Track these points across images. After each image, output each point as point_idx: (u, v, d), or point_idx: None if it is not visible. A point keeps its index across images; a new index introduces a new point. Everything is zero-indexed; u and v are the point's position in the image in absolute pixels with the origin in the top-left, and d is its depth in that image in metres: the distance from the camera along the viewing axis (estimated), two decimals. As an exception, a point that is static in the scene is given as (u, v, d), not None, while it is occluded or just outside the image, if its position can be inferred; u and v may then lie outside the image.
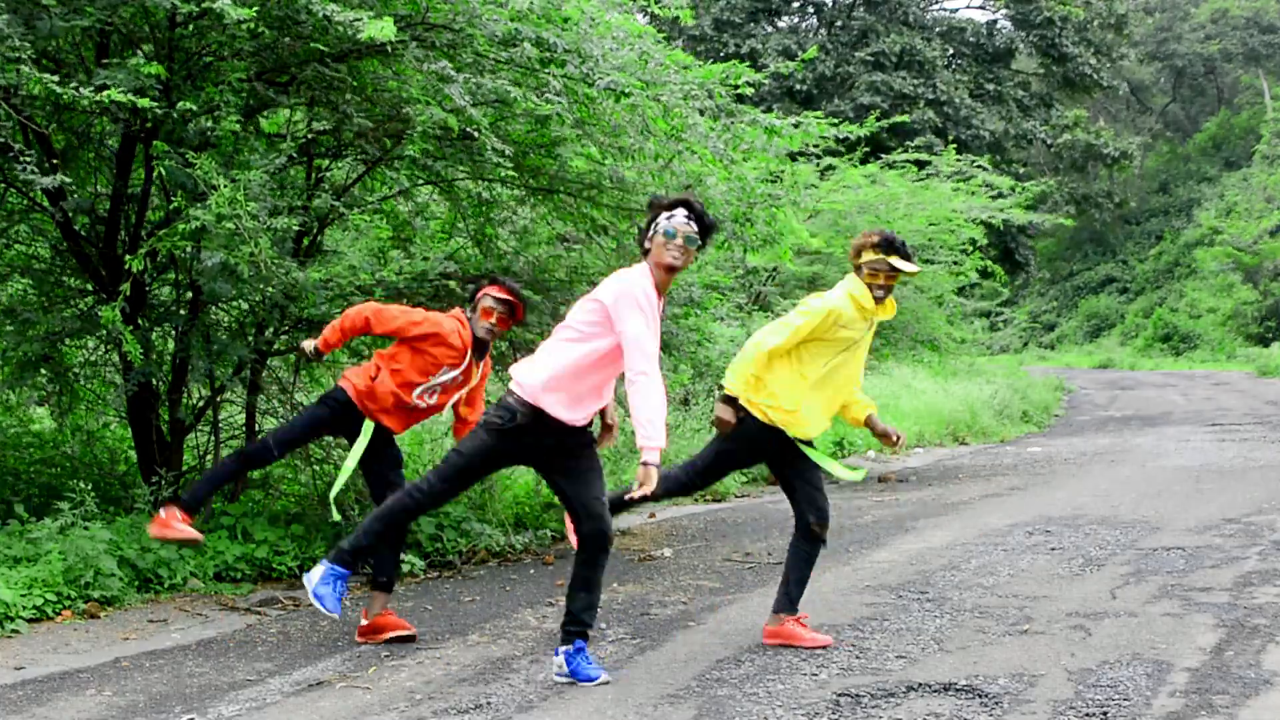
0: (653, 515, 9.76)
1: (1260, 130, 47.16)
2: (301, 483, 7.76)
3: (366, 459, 5.63)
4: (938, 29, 34.24)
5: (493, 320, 5.51)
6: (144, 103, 5.49)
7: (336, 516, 5.87)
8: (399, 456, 5.77)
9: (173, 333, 7.29)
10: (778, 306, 13.09)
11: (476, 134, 5.98)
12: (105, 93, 5.43)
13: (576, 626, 4.81)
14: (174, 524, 5.55)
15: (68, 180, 5.90)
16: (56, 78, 5.52)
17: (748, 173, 7.40)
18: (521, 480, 8.83)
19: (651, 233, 4.70)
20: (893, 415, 15.43)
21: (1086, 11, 35.18)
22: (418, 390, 5.54)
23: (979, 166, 15.64)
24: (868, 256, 5.25)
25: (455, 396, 5.64)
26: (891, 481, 11.94)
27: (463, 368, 5.56)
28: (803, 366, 5.27)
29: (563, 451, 4.82)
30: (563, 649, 4.80)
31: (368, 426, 5.57)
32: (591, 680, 4.74)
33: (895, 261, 5.21)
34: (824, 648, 5.23)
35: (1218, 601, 6.06)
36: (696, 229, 4.68)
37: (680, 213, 4.67)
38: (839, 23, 34.98)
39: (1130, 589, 6.41)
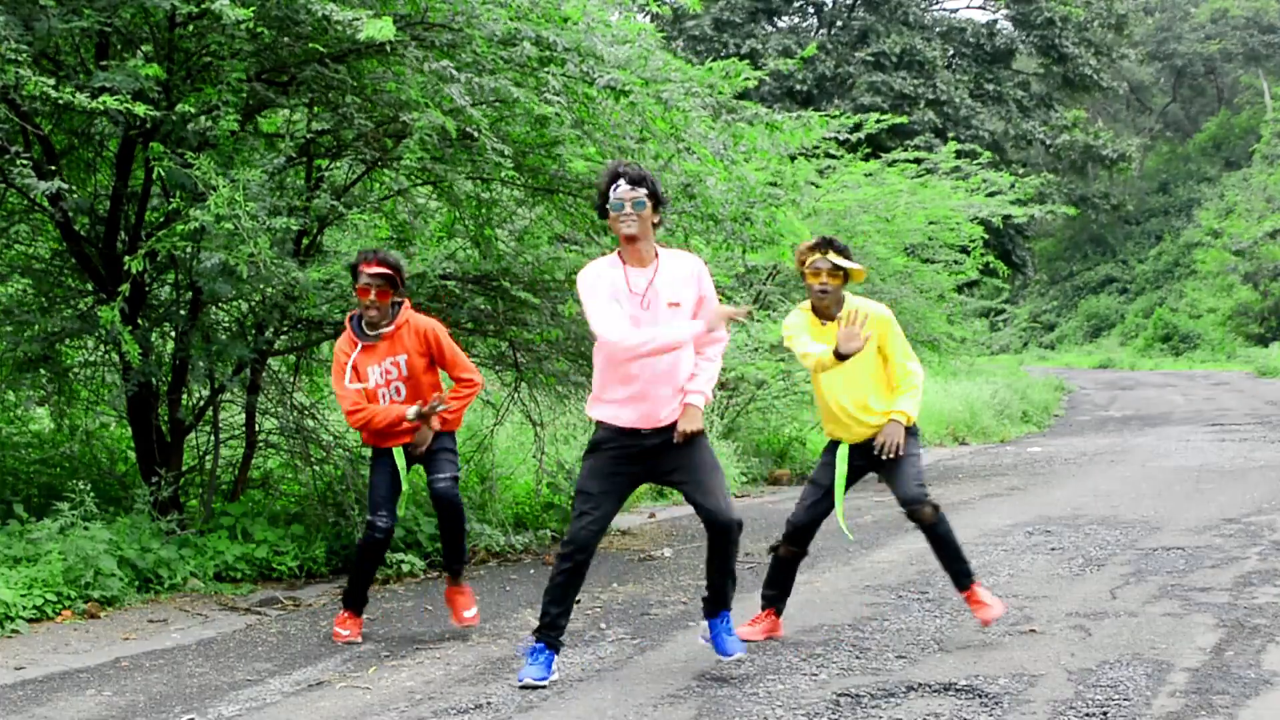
0: (653, 515, 9.76)
1: (1260, 130, 47.15)
2: (301, 483, 7.76)
3: (428, 460, 5.66)
4: (938, 29, 34.22)
5: (370, 297, 5.47)
6: (141, 109, 5.48)
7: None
8: (447, 461, 5.66)
9: (173, 333, 7.29)
10: (779, 306, 13.08)
11: (476, 134, 5.97)
12: (102, 98, 5.43)
13: (720, 605, 4.91)
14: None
15: (64, 185, 5.90)
16: (54, 80, 5.52)
17: (748, 172, 7.40)
18: (522, 480, 8.83)
19: (606, 213, 4.76)
20: (893, 415, 15.38)
21: (1086, 12, 35.17)
22: (381, 398, 5.56)
23: (978, 164, 15.62)
24: (809, 260, 5.26)
25: (393, 376, 5.57)
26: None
27: (356, 353, 5.53)
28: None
29: (658, 456, 4.81)
30: (708, 620, 4.93)
31: (397, 455, 5.59)
32: (729, 655, 4.86)
33: (832, 257, 5.20)
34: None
35: (1218, 601, 6.05)
36: (642, 192, 4.69)
37: (621, 184, 4.70)
38: (839, 23, 34.98)
39: (1130, 589, 6.41)
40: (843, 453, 5.38)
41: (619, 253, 4.79)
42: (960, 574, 5.41)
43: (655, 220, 4.75)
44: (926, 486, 5.34)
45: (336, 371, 5.61)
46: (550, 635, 4.81)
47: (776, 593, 5.53)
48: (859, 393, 5.31)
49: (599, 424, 4.84)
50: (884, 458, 5.28)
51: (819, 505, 5.42)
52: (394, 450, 5.60)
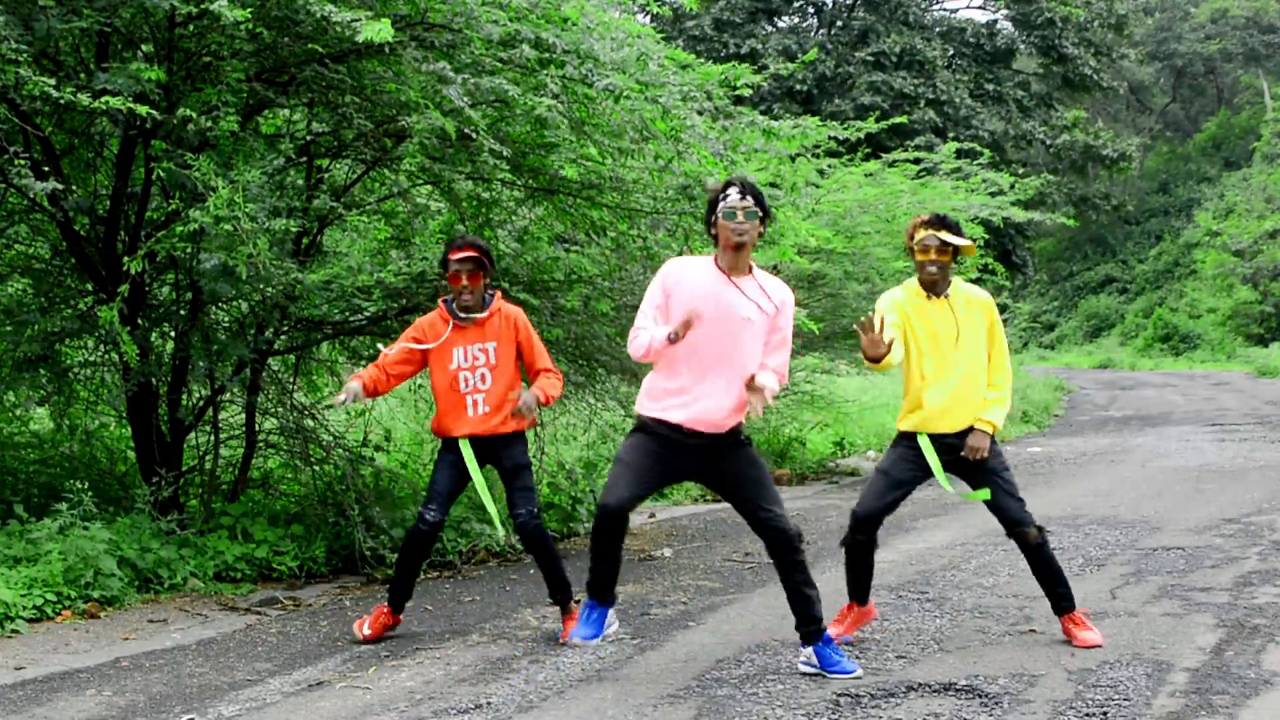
0: (653, 515, 9.76)
1: (1260, 130, 47.17)
2: (301, 483, 7.76)
3: (506, 487, 5.62)
4: (938, 29, 34.23)
5: (462, 283, 5.49)
6: (143, 109, 5.48)
7: (501, 533, 5.73)
8: (518, 464, 5.61)
9: (172, 333, 7.29)
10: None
11: (474, 135, 5.97)
12: (103, 99, 5.43)
13: (812, 626, 4.85)
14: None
15: (59, 187, 5.90)
16: (54, 80, 5.52)
17: (748, 173, 7.40)
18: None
19: (714, 220, 4.78)
20: (892, 415, 15.41)
21: (1086, 12, 35.17)
22: (462, 381, 5.52)
23: (978, 164, 15.62)
24: (919, 235, 5.17)
25: (485, 370, 5.52)
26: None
27: (467, 339, 5.51)
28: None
29: (715, 458, 4.80)
30: (810, 646, 4.86)
31: (464, 445, 5.55)
32: (848, 673, 4.78)
33: (944, 235, 5.11)
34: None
35: (1218, 601, 6.06)
36: (751, 202, 4.74)
37: (732, 191, 4.75)
38: (839, 23, 34.99)
39: (1130, 589, 6.41)
40: (926, 443, 5.21)
41: (715, 258, 4.81)
42: (1062, 598, 5.33)
43: (761, 231, 4.79)
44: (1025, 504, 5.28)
45: (405, 335, 5.62)
46: (600, 592, 4.83)
47: (854, 581, 5.38)
48: (945, 377, 5.17)
49: (649, 419, 4.81)
50: (972, 461, 5.19)
51: (887, 497, 5.25)
52: (460, 442, 5.53)
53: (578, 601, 5.60)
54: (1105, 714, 4.29)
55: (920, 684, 4.72)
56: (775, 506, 4.77)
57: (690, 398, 4.73)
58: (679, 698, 4.60)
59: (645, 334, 4.71)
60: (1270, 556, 7.21)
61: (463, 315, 5.54)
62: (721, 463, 4.81)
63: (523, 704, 4.54)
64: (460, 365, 5.52)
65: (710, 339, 4.70)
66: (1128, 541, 7.86)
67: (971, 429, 5.20)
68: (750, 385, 4.67)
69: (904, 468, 5.26)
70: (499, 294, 5.69)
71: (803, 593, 4.82)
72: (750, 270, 4.83)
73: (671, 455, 4.78)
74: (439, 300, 5.71)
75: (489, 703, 4.55)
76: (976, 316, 5.24)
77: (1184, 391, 25.34)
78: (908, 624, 5.74)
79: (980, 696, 4.53)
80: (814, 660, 4.85)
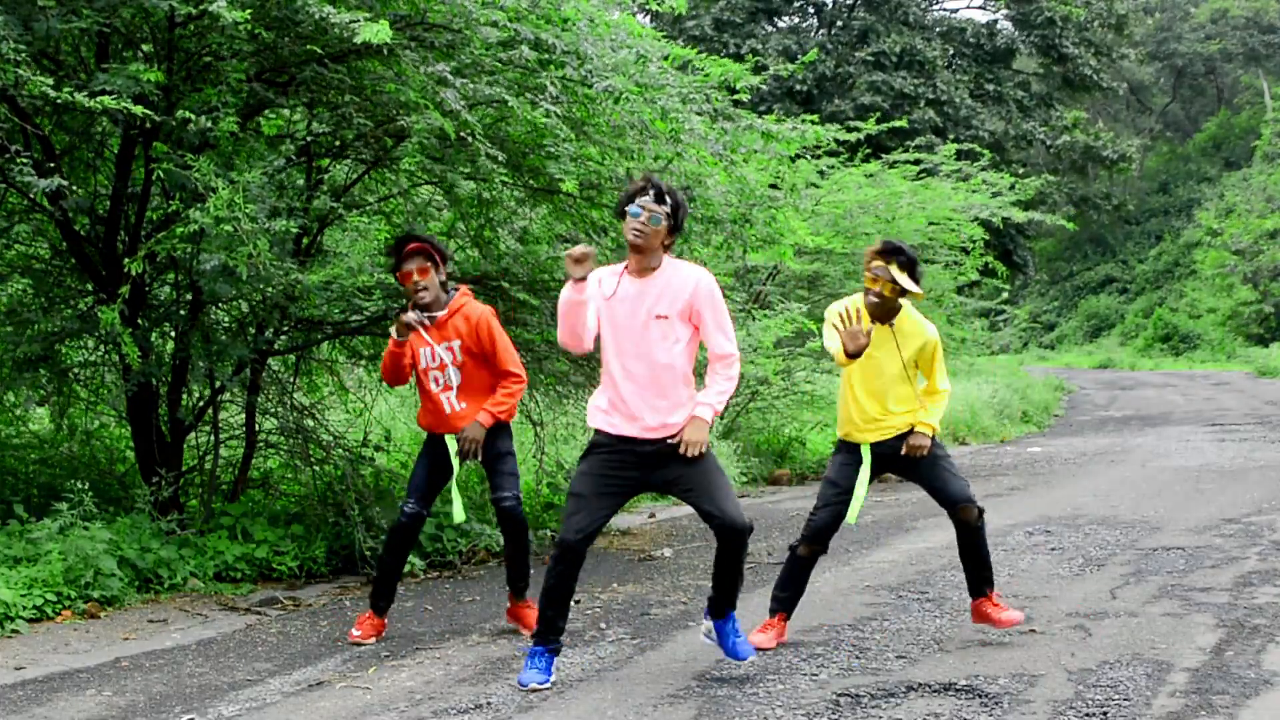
0: (653, 515, 9.76)
1: (1260, 130, 47.16)
2: (301, 483, 7.76)
3: (489, 473, 5.65)
4: (938, 29, 34.20)
5: (413, 279, 5.45)
6: (139, 110, 5.48)
7: (460, 518, 5.73)
8: (509, 476, 5.62)
9: (172, 333, 7.29)
10: (779, 306, 13.08)
11: (471, 138, 5.97)
12: (101, 98, 5.43)
13: (727, 604, 4.86)
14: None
15: (64, 183, 5.90)
16: (53, 80, 5.52)
17: (748, 173, 7.40)
18: (521, 480, 8.81)
19: (623, 216, 4.76)
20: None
21: (1086, 11, 35.15)
22: (432, 381, 5.55)
23: (978, 165, 15.63)
24: (873, 263, 5.23)
25: (441, 369, 5.53)
26: (891, 481, 11.93)
27: (428, 343, 5.51)
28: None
29: (656, 464, 4.77)
30: (712, 620, 4.88)
31: (449, 440, 5.56)
32: (742, 657, 4.82)
33: (894, 272, 5.15)
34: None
35: (1218, 601, 6.06)
36: (661, 206, 4.68)
37: (649, 196, 4.70)
38: (839, 23, 34.97)
39: (1130, 589, 6.41)
40: (865, 451, 5.35)
41: (626, 262, 4.81)
42: (982, 581, 5.41)
43: (667, 242, 4.75)
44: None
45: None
46: (549, 638, 4.80)
47: (790, 594, 5.47)
48: (879, 395, 5.30)
49: (595, 430, 4.84)
50: (914, 458, 5.30)
51: (837, 504, 5.38)
52: (446, 438, 5.53)
53: (530, 604, 5.61)
54: (1105, 714, 4.29)
55: (920, 684, 4.72)
56: (730, 505, 4.70)
57: (622, 406, 4.71)
58: (679, 698, 4.60)
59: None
60: (1270, 556, 7.21)
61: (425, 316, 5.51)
62: (673, 465, 4.73)
63: (523, 704, 4.54)
64: (428, 365, 5.53)
65: (620, 342, 4.71)
66: (1128, 541, 7.86)
67: (911, 430, 5.32)
68: (686, 426, 4.66)
69: (847, 473, 5.39)
70: (462, 290, 5.63)
71: (732, 579, 4.81)
72: (658, 267, 4.74)
73: (621, 468, 4.75)
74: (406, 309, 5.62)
75: (489, 703, 4.55)
76: (914, 348, 5.31)
77: (1184, 391, 25.34)
78: (908, 624, 5.74)
79: (980, 696, 4.53)
80: (713, 635, 4.90)
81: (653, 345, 4.69)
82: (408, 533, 5.59)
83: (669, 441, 4.70)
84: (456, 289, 5.63)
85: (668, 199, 4.69)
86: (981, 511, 5.35)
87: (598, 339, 4.78)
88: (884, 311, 5.26)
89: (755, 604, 6.24)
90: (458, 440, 5.51)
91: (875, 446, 5.36)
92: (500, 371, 5.59)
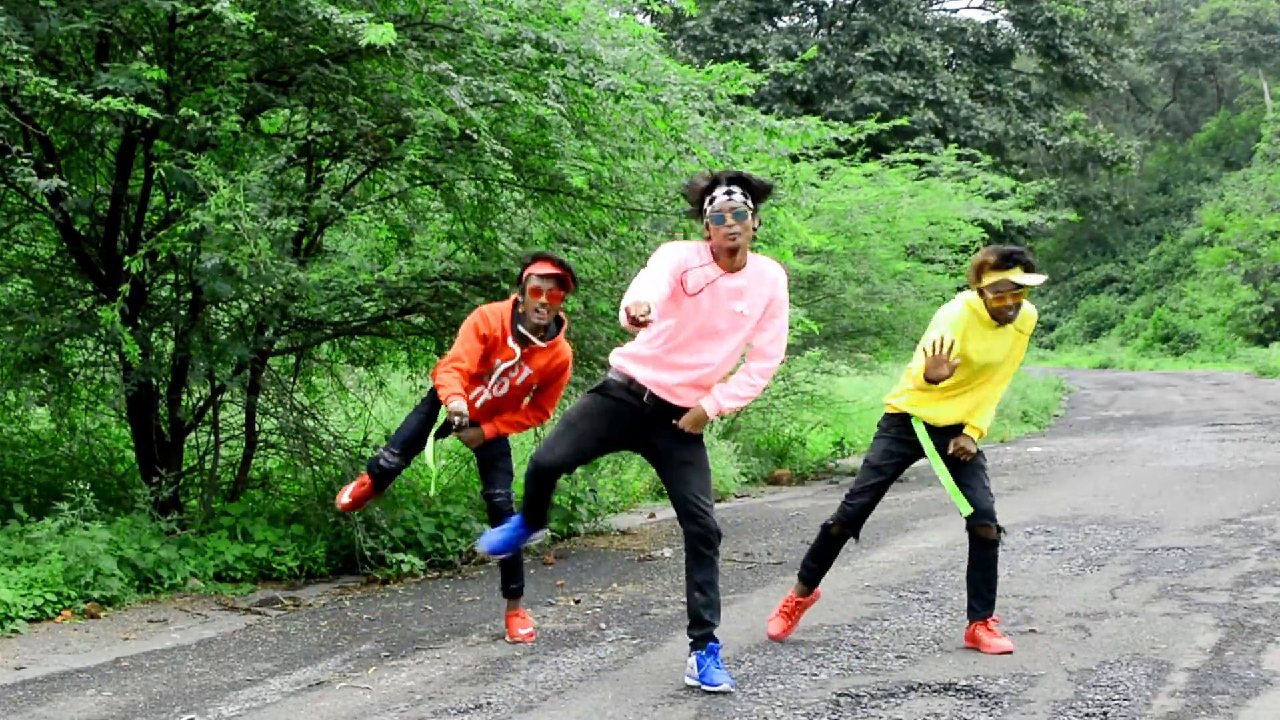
0: (653, 515, 9.76)
1: (1260, 130, 47.17)
2: (301, 483, 7.76)
3: (483, 468, 5.63)
4: (938, 29, 34.24)
5: (542, 298, 5.25)
6: (144, 110, 5.48)
7: (433, 492, 5.78)
8: (502, 472, 5.61)
9: (173, 333, 7.29)
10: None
11: (476, 136, 5.98)
12: (106, 99, 5.43)
13: (700, 630, 4.71)
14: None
15: (64, 184, 5.90)
16: (55, 81, 5.52)
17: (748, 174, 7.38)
18: (520, 480, 8.82)
19: (706, 223, 4.65)
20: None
21: (1086, 11, 35.18)
22: (487, 374, 5.40)
23: (979, 166, 15.63)
24: (988, 279, 4.99)
25: (511, 386, 5.44)
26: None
27: (514, 360, 5.36)
28: None
29: (661, 430, 4.72)
30: (695, 653, 4.73)
31: (443, 411, 5.40)
32: (715, 686, 4.61)
33: (1017, 278, 4.93)
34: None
35: (1218, 601, 6.06)
36: (740, 198, 4.59)
37: (719, 192, 4.62)
38: (839, 23, 34.99)
39: (1130, 589, 6.41)
40: (922, 430, 5.21)
41: (711, 247, 4.65)
42: (983, 603, 5.28)
43: (755, 224, 4.64)
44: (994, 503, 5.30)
45: (463, 335, 5.36)
46: (528, 516, 4.98)
47: (818, 566, 5.43)
48: (971, 397, 5.19)
49: (618, 370, 4.74)
50: (959, 458, 5.21)
51: (874, 488, 5.30)
52: (441, 409, 5.42)
53: (519, 613, 5.62)
54: (1105, 714, 4.29)
55: (920, 684, 4.72)
56: (704, 498, 4.68)
57: (663, 373, 4.65)
58: (679, 698, 4.60)
59: (631, 296, 4.39)
60: (1270, 556, 7.21)
61: (527, 335, 5.33)
62: (667, 438, 4.72)
63: (523, 704, 4.54)
64: (502, 369, 5.39)
65: (692, 332, 4.62)
66: (1128, 541, 7.86)
67: (963, 434, 5.22)
68: (689, 412, 4.65)
69: (888, 459, 5.28)
70: (565, 324, 5.51)
71: (703, 591, 4.70)
72: (744, 265, 4.67)
73: (623, 417, 4.72)
74: (512, 307, 5.39)
75: (489, 703, 4.55)
76: (1019, 337, 5.18)
77: (1184, 392, 25.34)
78: (908, 624, 5.74)
79: (980, 696, 4.53)
80: (694, 669, 4.72)
81: (723, 341, 4.65)
82: (384, 477, 5.60)
83: (675, 422, 4.70)
84: (562, 323, 5.48)
85: (744, 183, 4.59)
86: (1000, 530, 5.23)
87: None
88: (1016, 313, 5.07)
89: (756, 603, 6.25)
90: (453, 428, 5.40)
91: (930, 427, 5.21)
92: (535, 403, 5.58)
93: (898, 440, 5.31)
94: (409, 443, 5.58)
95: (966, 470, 5.26)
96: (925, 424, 5.24)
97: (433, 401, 5.56)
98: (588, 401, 4.80)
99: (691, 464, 4.73)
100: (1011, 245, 5.11)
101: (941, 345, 4.89)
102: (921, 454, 5.31)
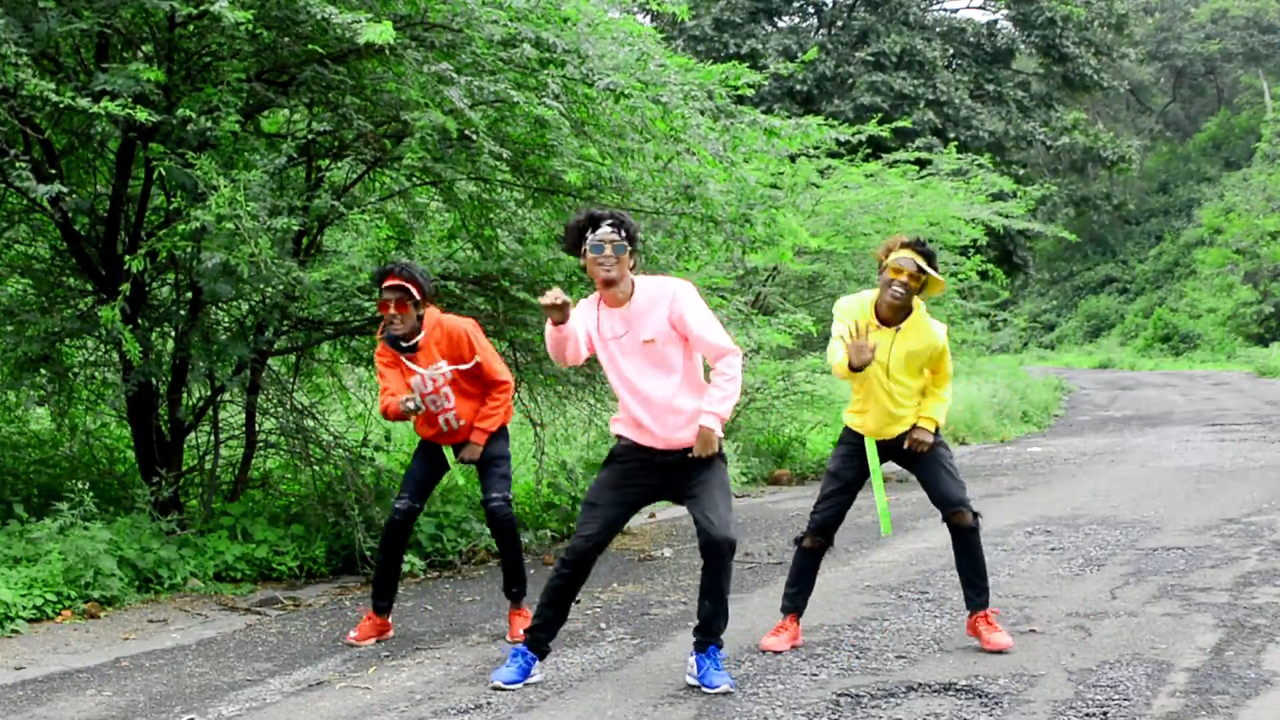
0: (653, 515, 9.76)
1: (1260, 130, 47.18)
2: (301, 483, 7.76)
3: (480, 472, 5.68)
4: (938, 29, 34.20)
5: (389, 310, 5.43)
6: (142, 114, 5.47)
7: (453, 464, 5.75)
8: (499, 476, 5.64)
9: (172, 333, 7.29)
10: (780, 314, 13.07)
11: (474, 136, 5.98)
12: (104, 102, 5.43)
13: (705, 636, 4.75)
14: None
15: (64, 189, 5.90)
16: (54, 83, 5.52)
17: (748, 174, 7.39)
18: (522, 480, 8.83)
19: (584, 254, 4.71)
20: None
21: (1087, 11, 35.16)
22: (429, 404, 5.54)
23: (979, 165, 15.62)
24: (895, 254, 5.13)
25: (437, 392, 5.53)
26: (891, 482, 11.94)
27: (413, 365, 5.50)
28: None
29: (674, 473, 4.79)
30: (695, 654, 4.77)
31: (446, 450, 5.63)
32: (714, 688, 4.63)
33: (921, 261, 5.09)
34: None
35: (1218, 601, 6.06)
36: (614, 234, 4.63)
37: (604, 226, 4.65)
38: (839, 23, 34.97)
39: (1130, 589, 6.41)
40: (871, 447, 5.32)
41: (599, 297, 4.77)
42: (978, 592, 5.30)
43: (631, 264, 4.71)
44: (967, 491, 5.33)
45: (380, 373, 5.59)
46: (537, 637, 4.81)
47: (798, 590, 5.45)
48: (888, 393, 5.25)
49: (617, 437, 4.85)
50: (915, 452, 5.27)
51: (840, 496, 5.37)
52: (444, 448, 5.62)
53: (522, 612, 5.62)
54: (1105, 714, 4.29)
55: (920, 684, 4.72)
56: (711, 513, 4.69)
57: (637, 422, 4.74)
58: (679, 698, 4.60)
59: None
60: (1270, 556, 7.21)
61: (405, 346, 5.51)
62: (686, 472, 4.76)
63: (523, 704, 4.54)
64: (422, 390, 5.51)
65: (622, 374, 4.71)
66: (1128, 541, 7.86)
67: (915, 426, 5.29)
68: (696, 440, 4.69)
69: (850, 465, 5.37)
70: (430, 311, 5.58)
71: (711, 599, 4.74)
72: (631, 294, 4.71)
73: (640, 475, 4.79)
74: (380, 334, 5.61)
75: (489, 703, 4.55)
76: (921, 353, 5.23)
77: (1184, 391, 25.34)
78: (908, 624, 5.74)
79: (980, 696, 4.53)
80: (694, 670, 4.76)
81: (652, 370, 4.71)
82: (401, 529, 5.61)
83: (689, 455, 4.73)
84: (423, 315, 5.56)
85: (621, 223, 4.65)
86: (976, 516, 5.27)
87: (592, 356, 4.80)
88: (903, 307, 5.17)
89: (756, 603, 6.25)
90: (456, 458, 5.62)
91: (880, 441, 5.33)
92: (489, 381, 5.63)
93: (856, 446, 5.39)
94: (411, 483, 5.67)
95: (926, 467, 5.31)
96: (877, 442, 5.33)
97: (424, 449, 5.68)
98: (602, 476, 4.85)
99: (704, 483, 4.76)
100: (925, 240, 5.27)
101: (856, 330, 4.97)
102: (888, 459, 5.40)
